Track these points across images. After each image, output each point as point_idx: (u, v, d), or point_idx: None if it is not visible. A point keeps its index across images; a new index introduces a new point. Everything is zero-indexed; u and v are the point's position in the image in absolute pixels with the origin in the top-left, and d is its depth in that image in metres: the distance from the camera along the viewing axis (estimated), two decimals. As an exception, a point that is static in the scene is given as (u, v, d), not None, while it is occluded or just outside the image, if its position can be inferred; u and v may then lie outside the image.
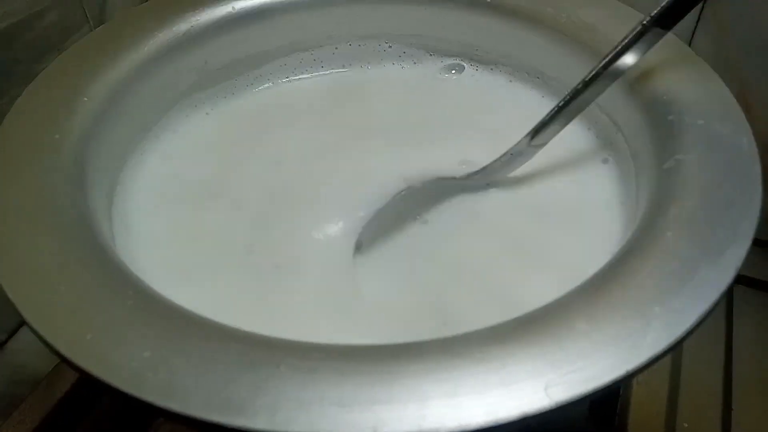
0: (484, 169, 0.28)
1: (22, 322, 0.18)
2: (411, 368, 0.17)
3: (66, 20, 0.34)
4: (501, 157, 0.28)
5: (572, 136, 0.31)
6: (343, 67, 0.36)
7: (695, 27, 0.34)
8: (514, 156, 0.28)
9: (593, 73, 0.25)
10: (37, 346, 0.18)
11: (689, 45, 0.30)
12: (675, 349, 0.17)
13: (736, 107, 0.25)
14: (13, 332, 0.35)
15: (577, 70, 0.31)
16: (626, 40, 0.24)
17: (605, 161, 0.29)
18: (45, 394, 0.31)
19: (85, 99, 0.26)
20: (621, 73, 0.25)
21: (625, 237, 0.23)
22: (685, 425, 0.30)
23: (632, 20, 0.25)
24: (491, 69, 0.35)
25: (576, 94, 0.26)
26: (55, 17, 0.33)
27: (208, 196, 0.29)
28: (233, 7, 0.32)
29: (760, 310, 0.35)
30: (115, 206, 0.26)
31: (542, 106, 0.33)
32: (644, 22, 0.24)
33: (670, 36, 0.29)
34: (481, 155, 0.29)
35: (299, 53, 0.35)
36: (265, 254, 0.26)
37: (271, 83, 0.35)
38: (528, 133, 0.27)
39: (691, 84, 0.26)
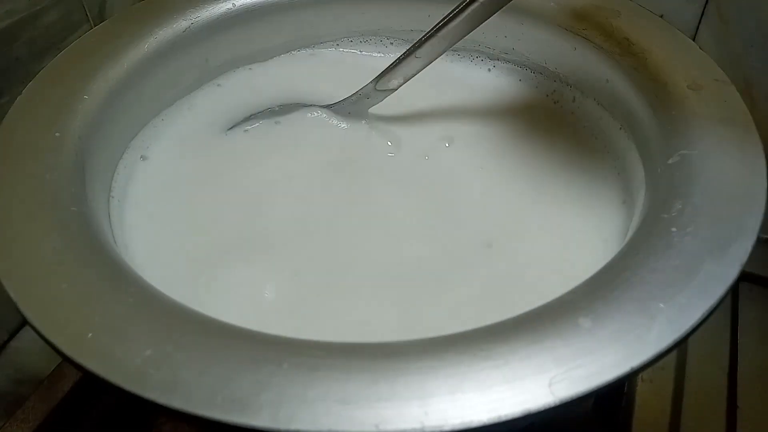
0: (340, 102, 0.32)
1: (24, 321, 0.18)
2: (413, 365, 0.16)
3: (66, 19, 0.34)
4: (351, 96, 0.32)
5: (577, 130, 0.31)
6: (346, 60, 0.36)
7: (699, 22, 0.34)
8: (362, 96, 0.31)
9: (436, 25, 0.28)
10: (39, 345, 0.18)
11: (693, 40, 0.29)
12: (680, 345, 0.17)
13: (740, 102, 0.25)
14: (15, 331, 0.35)
15: (578, 63, 0.31)
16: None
17: (610, 154, 0.29)
18: (47, 393, 0.31)
19: (86, 97, 0.26)
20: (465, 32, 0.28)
21: (629, 233, 0.23)
22: (690, 423, 0.30)
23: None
24: (494, 65, 0.35)
25: (419, 44, 0.29)
26: (55, 16, 0.33)
27: (209, 193, 0.29)
28: (233, 4, 0.32)
29: (765, 306, 0.35)
30: (114, 204, 0.26)
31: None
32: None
33: (674, 31, 0.29)
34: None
35: (300, 49, 0.35)
36: (265, 250, 0.26)
37: (272, 79, 0.35)
38: (374, 79, 0.30)
39: (695, 79, 0.26)
